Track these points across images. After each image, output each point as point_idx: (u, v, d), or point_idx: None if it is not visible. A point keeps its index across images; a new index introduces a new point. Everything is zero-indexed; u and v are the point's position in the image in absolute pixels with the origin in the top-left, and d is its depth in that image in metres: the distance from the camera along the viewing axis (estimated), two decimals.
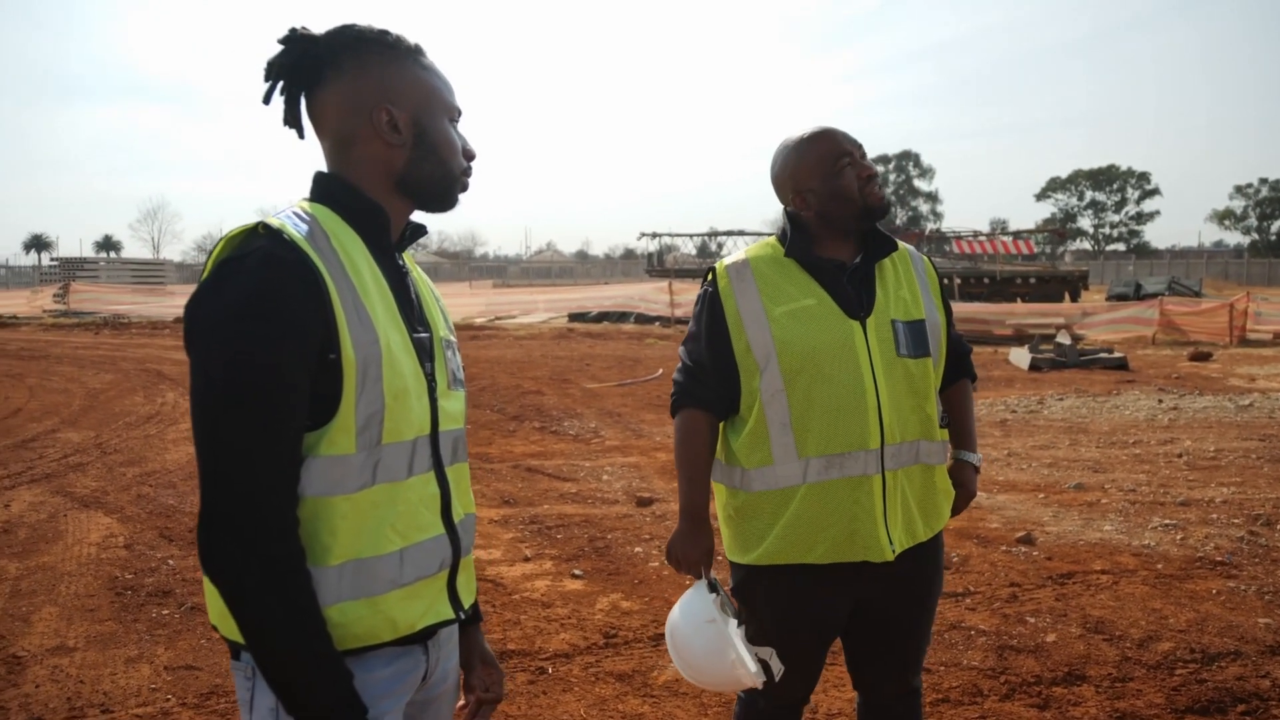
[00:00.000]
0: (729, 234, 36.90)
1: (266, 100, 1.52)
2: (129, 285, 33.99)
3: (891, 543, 2.20)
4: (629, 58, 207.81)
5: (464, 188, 1.60)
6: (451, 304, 29.35)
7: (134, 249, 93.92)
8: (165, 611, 4.54)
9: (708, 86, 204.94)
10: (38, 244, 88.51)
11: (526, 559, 5.41)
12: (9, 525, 6.03)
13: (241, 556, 1.31)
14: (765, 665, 2.21)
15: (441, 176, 1.55)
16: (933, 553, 2.34)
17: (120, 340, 19.99)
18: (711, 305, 2.27)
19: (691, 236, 40.01)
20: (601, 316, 26.04)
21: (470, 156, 1.60)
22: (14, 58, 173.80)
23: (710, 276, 2.31)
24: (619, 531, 5.91)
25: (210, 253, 1.42)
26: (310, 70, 1.50)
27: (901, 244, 2.35)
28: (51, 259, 58.71)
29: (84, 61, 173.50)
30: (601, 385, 12.82)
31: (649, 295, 26.15)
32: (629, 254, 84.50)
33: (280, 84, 1.51)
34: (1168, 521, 5.95)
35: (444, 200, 1.58)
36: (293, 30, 1.50)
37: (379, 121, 1.49)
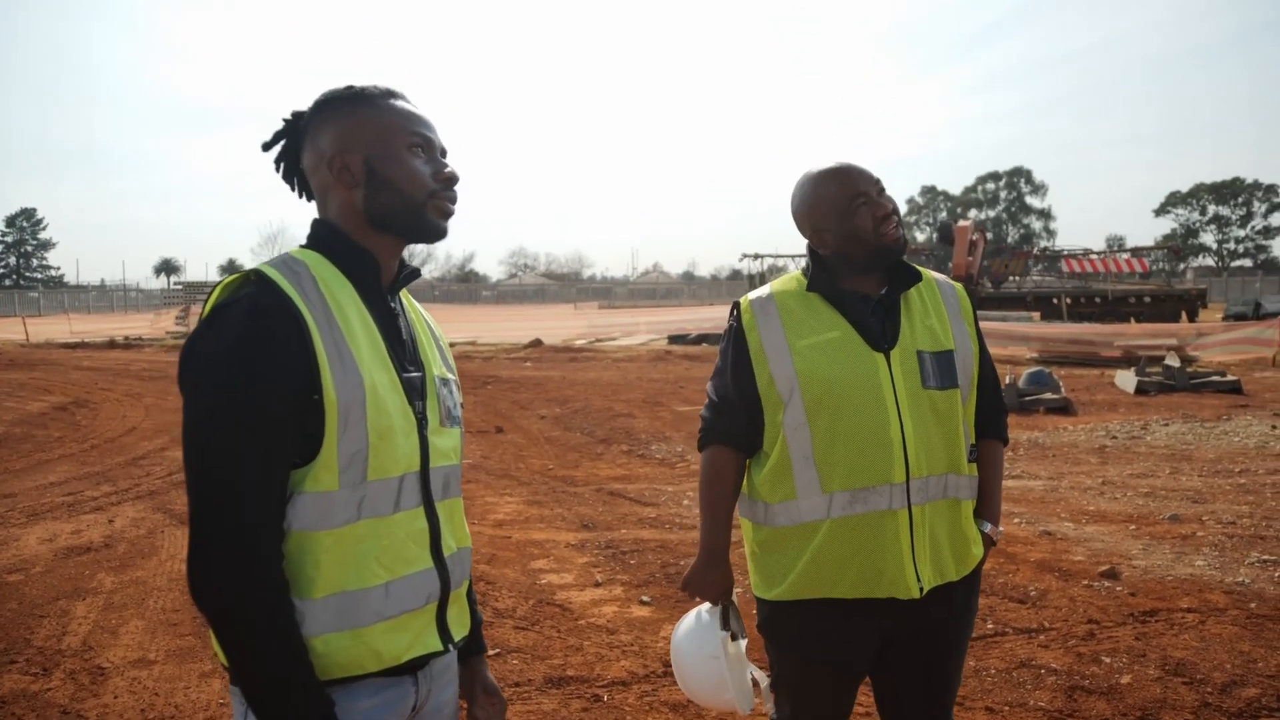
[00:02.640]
0: None
1: (291, 187, 1.69)
2: None
3: (919, 579, 2.16)
4: (734, 75, 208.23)
5: (441, 212, 1.62)
6: (554, 326, 29.74)
7: None
8: None
9: (813, 103, 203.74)
10: (167, 268, 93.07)
11: (597, 584, 5.44)
12: (110, 540, 6.35)
13: (226, 588, 1.38)
14: (759, 691, 2.24)
15: (401, 205, 1.59)
16: (965, 592, 2.27)
17: None
18: (736, 340, 2.27)
19: (794, 258, 39.57)
20: (701, 338, 26.02)
21: (444, 180, 1.62)
22: (152, 87, 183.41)
23: (735, 311, 2.32)
24: (693, 558, 5.87)
25: (208, 296, 1.50)
26: (295, 145, 1.64)
27: (928, 273, 2.33)
28: (176, 282, 61.55)
29: (216, 90, 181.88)
30: (693, 408, 12.81)
31: None
32: (735, 275, 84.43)
33: (283, 166, 1.67)
34: (1267, 557, 5.65)
35: (418, 226, 1.61)
36: (284, 119, 1.66)
37: (335, 169, 1.58)
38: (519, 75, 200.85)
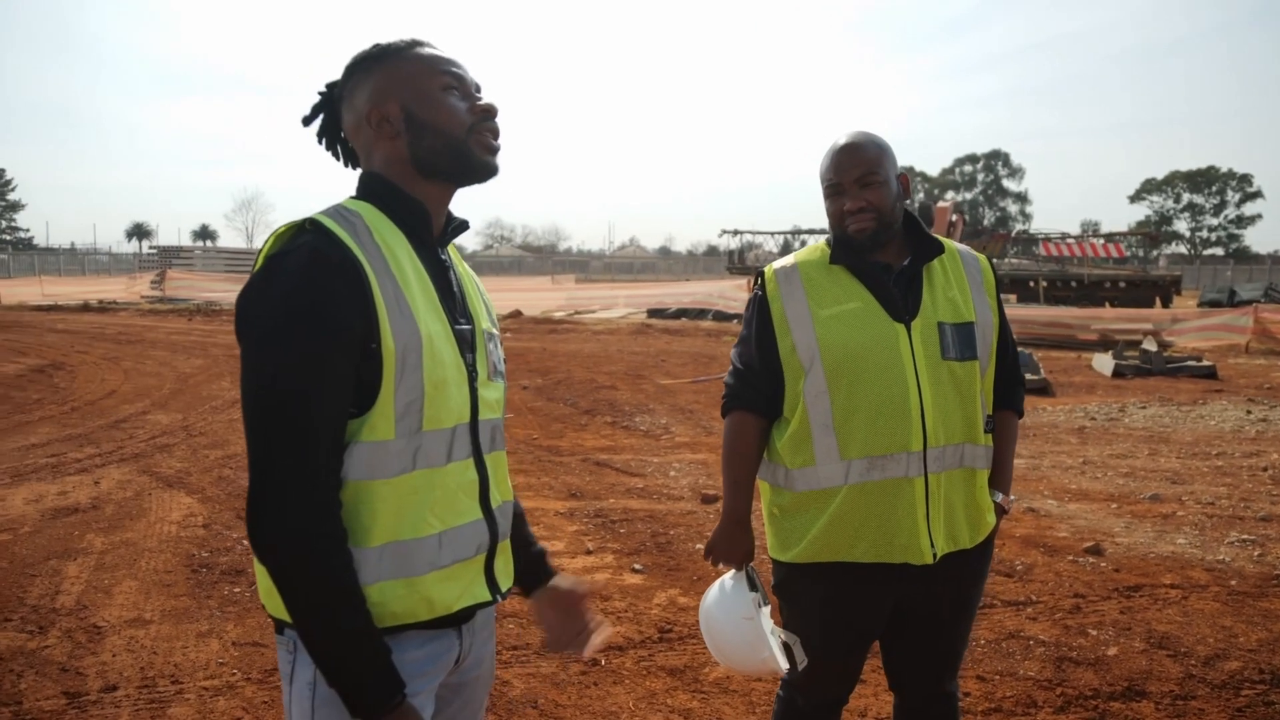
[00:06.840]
0: (811, 232, 36.44)
1: (336, 156, 1.72)
2: (222, 273, 35.02)
3: (933, 546, 2.21)
4: (717, 53, 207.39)
5: (485, 147, 1.62)
6: (533, 298, 29.62)
7: (229, 238, 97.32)
8: (237, 589, 4.72)
9: (795, 80, 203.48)
10: (139, 232, 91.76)
11: (589, 552, 5.48)
12: (98, 501, 6.32)
13: (286, 536, 1.40)
14: (790, 652, 2.26)
15: (445, 145, 1.59)
16: (977, 559, 2.33)
17: (211, 326, 20.67)
18: (760, 308, 2.31)
19: (773, 234, 39.48)
20: (680, 313, 25.98)
21: (481, 112, 1.63)
22: (125, 53, 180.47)
23: (760, 280, 2.35)
24: (682, 528, 5.94)
25: (262, 247, 1.50)
26: (334, 114, 1.68)
27: (951, 244, 2.36)
28: (150, 247, 60.71)
29: (188, 56, 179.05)
30: (675, 381, 12.85)
31: (728, 293, 26.04)
32: (711, 250, 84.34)
33: (325, 138, 1.71)
34: (1246, 537, 5.77)
35: (465, 165, 1.62)
36: (319, 92, 1.69)
37: (374, 122, 1.60)
38: (496, 46, 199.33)
